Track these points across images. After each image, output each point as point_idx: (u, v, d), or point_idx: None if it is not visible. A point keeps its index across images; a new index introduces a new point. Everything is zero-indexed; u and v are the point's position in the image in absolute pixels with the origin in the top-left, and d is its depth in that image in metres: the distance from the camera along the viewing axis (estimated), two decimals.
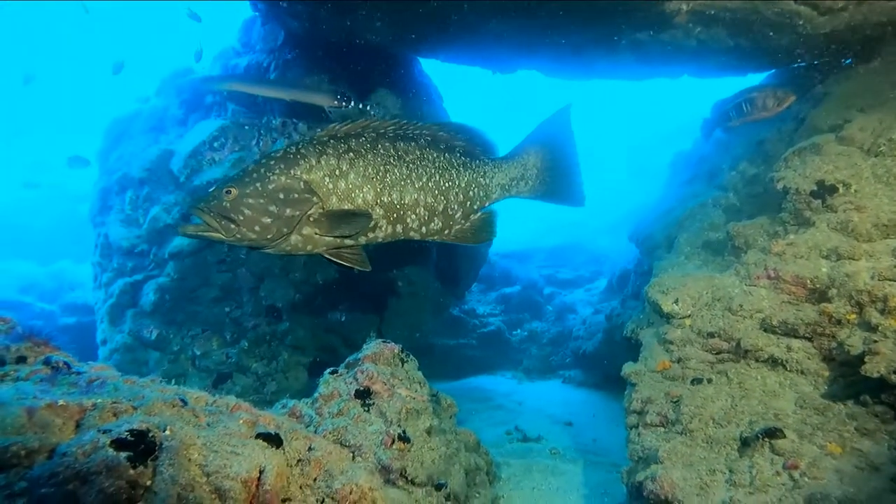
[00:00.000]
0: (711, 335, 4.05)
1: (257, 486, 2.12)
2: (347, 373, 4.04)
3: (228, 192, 3.39)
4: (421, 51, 6.60)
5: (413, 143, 3.85)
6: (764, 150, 5.47)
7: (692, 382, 3.99)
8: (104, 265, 7.67)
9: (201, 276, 7.10)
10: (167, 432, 2.13)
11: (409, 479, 3.48)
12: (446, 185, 3.93)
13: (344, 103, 5.93)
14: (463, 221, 4.09)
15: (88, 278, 8.42)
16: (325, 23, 5.79)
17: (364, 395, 3.81)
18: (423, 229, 3.92)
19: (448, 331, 9.79)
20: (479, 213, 4.17)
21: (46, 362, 2.91)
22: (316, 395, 3.93)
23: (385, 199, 3.70)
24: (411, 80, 7.43)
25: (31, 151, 25.59)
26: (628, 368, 4.35)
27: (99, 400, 2.32)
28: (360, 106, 6.25)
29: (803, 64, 5.47)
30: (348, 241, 3.68)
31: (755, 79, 6.08)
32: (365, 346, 4.29)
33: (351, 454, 3.43)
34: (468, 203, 4.05)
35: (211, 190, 3.48)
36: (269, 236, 3.45)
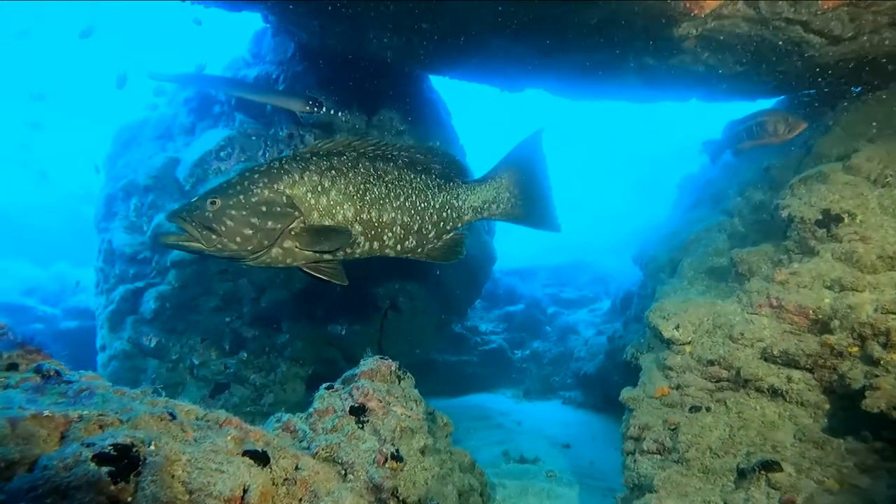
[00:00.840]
0: (711, 363, 4.01)
1: None
2: (343, 388, 3.99)
3: (213, 203, 3.44)
4: (429, 67, 6.61)
5: (392, 164, 3.99)
6: (770, 177, 5.43)
7: (690, 410, 3.95)
8: (106, 271, 7.66)
9: (202, 285, 7.09)
10: (152, 447, 2.10)
11: (401, 499, 3.43)
12: (422, 205, 4.08)
13: (315, 109, 6.01)
14: (435, 241, 4.24)
15: (91, 283, 8.42)
16: (333, 37, 5.82)
17: (359, 411, 3.76)
18: (399, 247, 4.05)
19: (449, 347, 9.75)
20: (451, 234, 4.31)
21: (37, 370, 2.88)
22: (311, 409, 3.89)
23: (364, 217, 3.82)
24: (419, 96, 7.44)
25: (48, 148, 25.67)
26: (627, 393, 4.31)
27: (86, 412, 2.29)
28: (332, 112, 6.36)
29: (812, 91, 5.45)
30: (327, 256, 3.77)
31: (764, 104, 6.07)
32: (362, 362, 4.25)
33: (341, 473, 3.39)
34: (441, 223, 4.21)
35: (194, 200, 3.52)
36: (249, 248, 3.51)
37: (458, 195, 4.29)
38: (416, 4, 4.76)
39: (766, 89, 5.64)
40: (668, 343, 4.27)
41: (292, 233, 3.60)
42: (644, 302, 5.99)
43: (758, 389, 3.82)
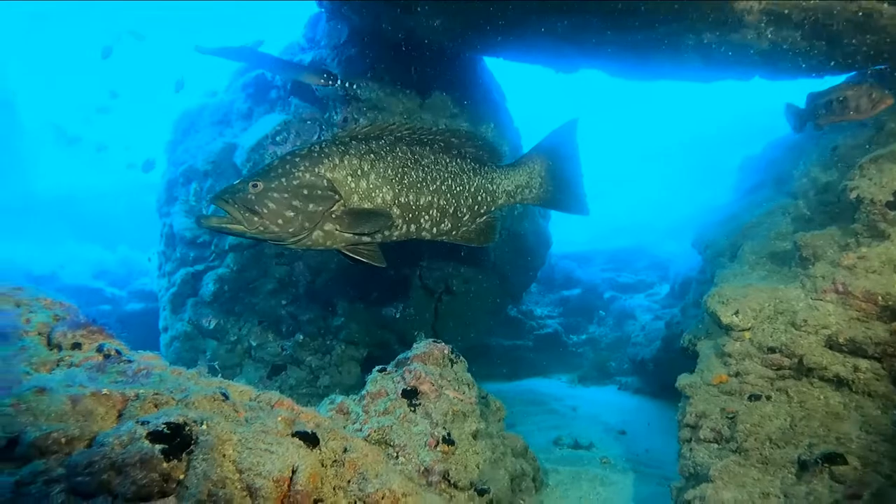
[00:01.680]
0: (772, 350, 3.86)
1: (289, 485, 2.11)
2: (396, 371, 4.01)
3: (255, 186, 3.52)
4: (481, 49, 6.53)
5: (428, 148, 4.07)
6: (838, 156, 5.19)
7: (749, 398, 3.82)
8: (168, 254, 7.87)
9: (259, 269, 7.21)
10: (204, 427, 2.13)
11: (452, 482, 3.44)
12: (458, 188, 4.15)
13: (330, 82, 6.24)
14: (470, 223, 4.32)
15: (154, 266, 8.66)
16: (386, 20, 5.80)
17: (411, 394, 3.77)
18: (434, 230, 4.14)
19: (504, 331, 9.70)
20: (484, 217, 4.39)
21: (99, 350, 2.98)
22: (364, 392, 3.93)
23: (402, 200, 3.89)
24: (473, 78, 7.37)
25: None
26: (683, 380, 4.20)
27: (142, 391, 2.34)
28: (347, 85, 6.50)
29: (884, 66, 5.17)
30: (365, 239, 3.84)
31: (833, 81, 5.79)
32: (415, 346, 4.27)
33: (392, 455, 3.41)
34: (476, 207, 4.28)
35: (236, 183, 3.59)
36: (290, 230, 3.58)
37: (492, 179, 4.36)
38: None
39: (834, 66, 5.37)
40: (727, 329, 4.14)
41: (333, 216, 3.67)
42: (703, 287, 5.82)
43: (822, 378, 3.67)
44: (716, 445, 3.74)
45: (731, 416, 3.77)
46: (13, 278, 3.46)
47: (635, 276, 12.79)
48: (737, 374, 3.98)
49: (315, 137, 7.24)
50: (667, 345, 7.61)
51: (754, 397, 3.81)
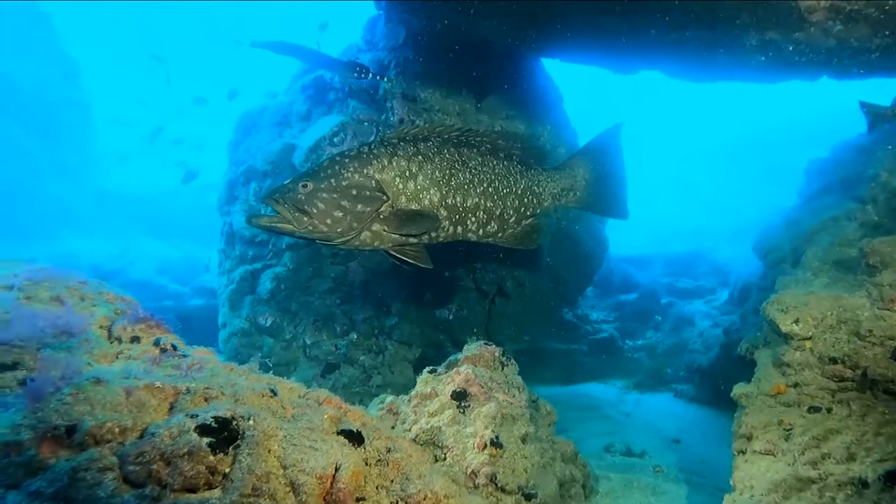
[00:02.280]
0: (834, 361, 3.71)
1: (332, 482, 2.13)
2: (446, 373, 4.02)
3: (305, 186, 3.57)
4: (538, 50, 6.49)
5: (475, 150, 4.10)
6: None
7: (809, 410, 3.67)
8: (227, 252, 8.05)
9: (315, 268, 7.32)
10: (251, 422, 2.17)
11: (499, 486, 3.41)
12: (504, 191, 4.17)
13: (363, 75, 6.52)
14: (515, 226, 4.32)
15: (215, 263, 8.88)
16: (443, 21, 5.82)
17: (460, 396, 3.76)
18: (481, 231, 4.16)
19: (559, 335, 9.60)
20: (530, 219, 4.38)
21: (156, 344, 3.07)
22: (413, 392, 3.95)
23: (449, 202, 3.92)
24: (529, 79, 7.33)
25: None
26: (739, 389, 4.07)
27: (193, 384, 2.40)
28: (378, 78, 6.79)
29: None
30: (412, 240, 3.87)
31: None
32: (466, 347, 4.27)
33: (440, 457, 3.41)
34: (522, 209, 4.28)
35: (286, 183, 3.64)
36: (339, 230, 3.62)
37: (538, 181, 4.36)
38: None
39: None
40: (787, 338, 3.99)
41: (381, 216, 3.71)
42: (763, 293, 5.62)
43: (886, 392, 3.50)
44: (771, 458, 3.61)
45: (788, 428, 3.63)
46: (83, 273, 3.60)
47: (694, 282, 12.52)
48: (795, 385, 3.84)
49: (372, 138, 7.30)
50: (725, 352, 7.41)
51: (814, 409, 3.67)
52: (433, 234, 3.96)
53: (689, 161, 32.53)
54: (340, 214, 3.58)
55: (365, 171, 3.68)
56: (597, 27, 5.18)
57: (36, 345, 2.73)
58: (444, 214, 3.92)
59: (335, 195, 3.58)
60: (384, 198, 3.70)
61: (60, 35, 21.63)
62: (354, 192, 3.62)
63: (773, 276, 5.32)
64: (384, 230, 3.75)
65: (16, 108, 17.98)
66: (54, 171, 19.15)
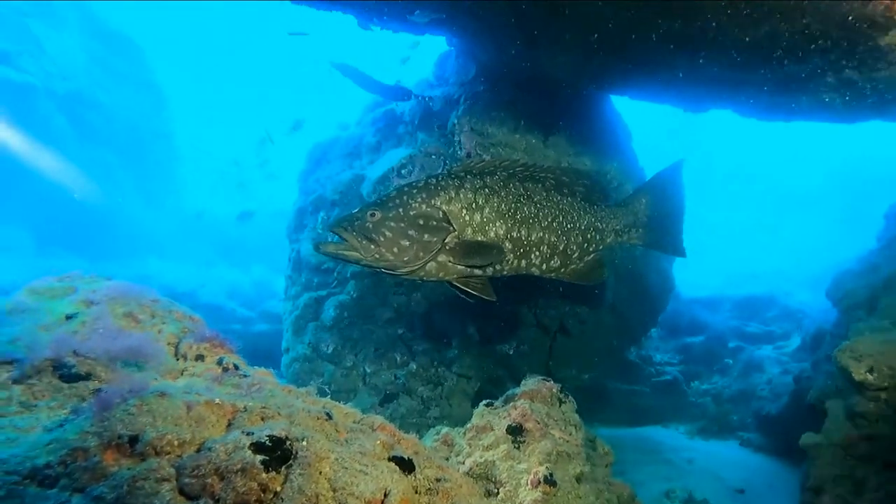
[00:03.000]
0: None
1: None
2: (503, 407, 3.98)
3: (373, 215, 3.62)
4: (606, 87, 6.47)
5: (540, 185, 4.12)
6: None
7: (884, 466, 3.49)
8: (294, 279, 8.24)
9: (378, 297, 7.40)
10: (304, 443, 2.20)
11: None
12: (568, 226, 4.18)
13: (405, 98, 7.40)
14: (578, 262, 4.32)
15: (281, 289, 9.09)
16: (511, 57, 5.88)
17: (516, 431, 3.72)
18: (544, 266, 4.16)
19: (621, 375, 9.40)
20: (592, 255, 4.38)
21: (219, 363, 3.16)
22: (469, 425, 3.93)
23: (514, 235, 3.94)
24: (597, 116, 7.31)
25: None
26: (808, 440, 3.90)
27: (251, 403, 2.45)
28: (422, 98, 7.58)
29: None
30: (477, 272, 3.89)
31: None
32: (524, 382, 4.23)
33: (493, 491, 3.37)
34: (585, 245, 4.29)
35: (354, 212, 3.70)
36: (405, 258, 3.65)
37: (601, 218, 4.38)
38: (586, 25, 4.69)
39: None
40: (860, 387, 3.81)
41: (447, 247, 3.73)
42: (837, 341, 5.40)
43: None
44: None
45: (859, 482, 3.46)
46: (156, 291, 3.74)
47: (764, 326, 12.08)
48: (869, 438, 3.65)
49: (439, 171, 7.39)
50: (795, 401, 7.12)
51: (889, 465, 3.48)
52: (497, 268, 3.98)
53: (767, 202, 31.71)
54: (407, 243, 3.62)
55: (432, 201, 3.72)
56: (663, 66, 5.14)
57: (109, 359, 2.85)
58: (509, 247, 3.93)
59: (402, 224, 3.62)
60: (451, 228, 3.72)
61: (151, 66, 22.80)
62: (421, 222, 3.66)
63: (847, 322, 5.12)
64: (450, 261, 3.77)
65: (108, 137, 18.96)
66: (141, 196, 20.07)
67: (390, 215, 3.63)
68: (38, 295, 3.50)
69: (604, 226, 4.38)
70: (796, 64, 4.64)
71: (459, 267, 3.82)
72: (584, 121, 7.04)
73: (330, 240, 3.95)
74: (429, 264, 3.76)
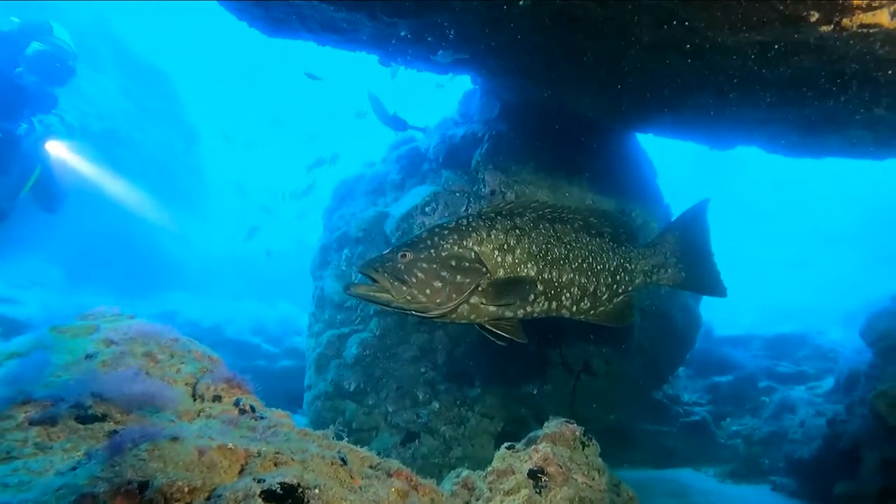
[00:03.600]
0: None
1: None
2: (524, 450, 3.90)
3: (403, 256, 3.58)
4: (631, 125, 6.47)
5: (568, 226, 4.10)
6: None
7: None
8: (317, 316, 8.25)
9: (401, 335, 7.37)
10: (316, 491, 2.16)
11: None
12: (598, 267, 4.15)
13: (403, 129, 8.49)
14: (607, 304, 4.27)
15: (305, 326, 9.10)
16: (535, 96, 5.91)
17: (537, 475, 3.64)
18: (574, 307, 4.11)
19: (647, 416, 9.20)
20: (621, 297, 4.33)
21: (236, 404, 3.15)
22: (490, 468, 3.85)
23: (545, 276, 3.90)
24: (623, 153, 7.29)
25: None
26: (843, 489, 3.78)
27: (264, 448, 2.42)
28: (416, 129, 8.66)
29: None
30: (508, 314, 3.85)
31: None
32: (546, 424, 4.15)
33: None
34: (615, 286, 4.24)
35: (384, 253, 3.67)
36: (437, 300, 3.58)
37: (630, 258, 4.35)
38: (609, 70, 4.70)
39: None
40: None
41: (479, 289, 3.67)
42: (872, 383, 5.25)
43: None
44: None
45: None
46: (177, 330, 3.75)
47: (796, 366, 11.77)
48: None
49: (463, 209, 7.39)
50: (828, 445, 6.88)
51: None
52: (528, 309, 3.93)
53: (800, 239, 31.32)
54: (440, 285, 3.57)
55: (464, 242, 3.69)
56: (689, 106, 5.12)
57: (125, 402, 2.85)
58: (540, 289, 3.90)
59: (435, 265, 3.58)
60: (483, 270, 3.68)
61: (182, 102, 23.28)
62: (454, 263, 3.61)
63: (884, 365, 4.97)
64: (482, 303, 3.72)
65: (140, 172, 19.33)
66: (170, 232, 20.35)
67: (422, 256, 3.59)
68: (60, 333, 3.53)
69: (633, 266, 4.35)
70: (822, 102, 4.59)
71: (491, 308, 3.77)
72: (608, 159, 7.02)
73: (356, 280, 3.93)
74: (461, 306, 3.70)
